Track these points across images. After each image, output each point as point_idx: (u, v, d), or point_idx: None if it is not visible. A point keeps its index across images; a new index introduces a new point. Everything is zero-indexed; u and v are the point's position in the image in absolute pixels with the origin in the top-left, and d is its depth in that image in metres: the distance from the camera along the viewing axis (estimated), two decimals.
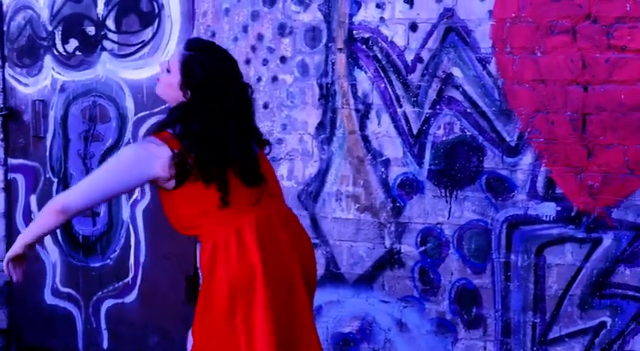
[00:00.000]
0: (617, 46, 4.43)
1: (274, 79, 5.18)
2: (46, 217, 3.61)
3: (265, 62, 5.20)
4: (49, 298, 6.11)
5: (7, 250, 6.07)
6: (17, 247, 3.68)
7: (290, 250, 3.68)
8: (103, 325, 5.94)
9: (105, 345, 5.95)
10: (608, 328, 4.58)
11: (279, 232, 3.66)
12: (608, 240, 4.54)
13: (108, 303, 5.92)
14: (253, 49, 5.23)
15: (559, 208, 4.62)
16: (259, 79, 5.19)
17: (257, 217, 3.58)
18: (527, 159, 4.67)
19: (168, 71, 3.62)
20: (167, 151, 3.48)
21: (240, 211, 3.57)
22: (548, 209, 4.64)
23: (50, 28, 5.93)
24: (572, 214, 4.60)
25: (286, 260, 3.65)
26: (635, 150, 4.44)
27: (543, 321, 4.71)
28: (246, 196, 3.58)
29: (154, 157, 3.48)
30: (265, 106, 5.19)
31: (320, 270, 4.99)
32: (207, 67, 3.56)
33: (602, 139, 4.51)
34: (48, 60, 5.96)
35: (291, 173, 5.19)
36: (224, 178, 3.52)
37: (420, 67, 4.85)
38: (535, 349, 4.73)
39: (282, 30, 5.17)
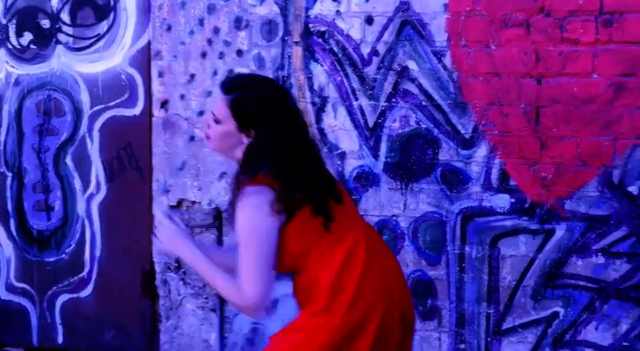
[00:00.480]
0: (570, 39, 4.50)
1: (231, 72, 5.19)
2: (224, 295, 3.44)
3: (222, 55, 5.22)
4: (3, 294, 6.05)
5: None
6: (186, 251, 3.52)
7: (397, 275, 3.49)
8: (58, 320, 5.91)
9: (60, 340, 5.92)
10: (561, 318, 4.69)
11: (386, 256, 3.51)
12: (560, 231, 4.62)
13: (63, 298, 5.89)
14: (210, 42, 5.24)
15: (513, 200, 4.69)
16: (215, 73, 5.21)
17: (365, 239, 3.41)
18: (481, 151, 4.72)
19: (218, 122, 3.43)
20: (270, 193, 3.33)
21: (344, 235, 3.38)
22: (502, 201, 4.70)
23: (4, 22, 5.88)
24: (526, 205, 4.66)
25: (396, 289, 3.44)
26: (587, 142, 4.52)
27: (497, 312, 4.78)
28: (346, 218, 3.43)
29: (267, 205, 3.32)
30: None
31: None
32: (255, 99, 3.43)
33: (555, 132, 4.58)
34: (2, 53, 5.91)
35: None
36: (325, 203, 3.38)
37: (375, 60, 4.89)
38: (489, 339, 4.79)
39: (238, 23, 5.19)
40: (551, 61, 4.53)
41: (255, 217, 3.35)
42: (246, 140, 3.42)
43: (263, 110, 3.39)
